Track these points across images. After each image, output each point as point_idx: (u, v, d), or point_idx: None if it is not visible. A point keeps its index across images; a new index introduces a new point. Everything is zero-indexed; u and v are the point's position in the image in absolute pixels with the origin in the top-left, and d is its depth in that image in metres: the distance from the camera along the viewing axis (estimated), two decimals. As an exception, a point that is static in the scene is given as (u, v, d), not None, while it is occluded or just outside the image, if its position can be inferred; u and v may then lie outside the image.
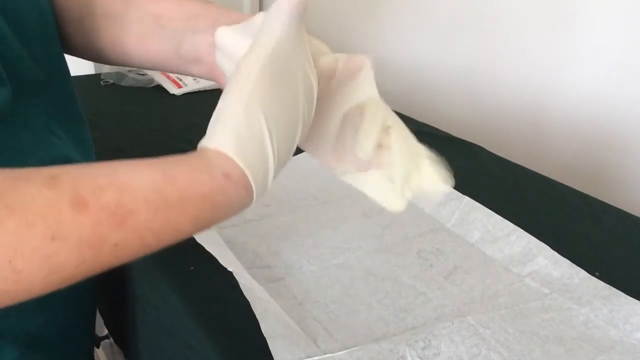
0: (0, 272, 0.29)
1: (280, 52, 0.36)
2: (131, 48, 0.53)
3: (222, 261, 0.54)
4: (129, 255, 0.33)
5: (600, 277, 0.55)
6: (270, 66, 0.36)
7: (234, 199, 0.35)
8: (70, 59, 0.56)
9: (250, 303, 0.49)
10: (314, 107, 0.39)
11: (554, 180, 0.76)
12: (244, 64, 0.36)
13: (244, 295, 0.50)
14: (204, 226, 0.36)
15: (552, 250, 0.58)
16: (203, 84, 1.06)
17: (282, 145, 0.37)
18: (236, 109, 0.35)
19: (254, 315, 0.47)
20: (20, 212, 0.29)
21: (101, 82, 1.08)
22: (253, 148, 0.35)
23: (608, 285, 0.54)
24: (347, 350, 0.45)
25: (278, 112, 0.36)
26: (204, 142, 0.35)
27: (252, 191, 0.36)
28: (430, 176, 0.44)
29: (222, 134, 0.35)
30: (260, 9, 1.70)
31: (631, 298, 0.52)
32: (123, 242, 0.32)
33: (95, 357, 0.87)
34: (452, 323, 0.49)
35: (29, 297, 0.31)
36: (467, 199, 0.66)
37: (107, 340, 0.83)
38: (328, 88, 0.43)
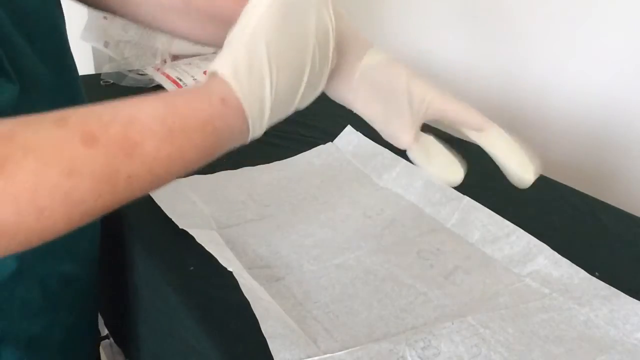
0: (25, 210, 0.30)
1: None
2: None
3: (222, 261, 0.54)
4: (142, 187, 0.35)
5: (600, 277, 0.55)
6: (281, 1, 0.37)
7: (233, 126, 0.37)
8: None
9: (251, 303, 0.49)
10: (331, 53, 0.40)
11: (554, 180, 0.76)
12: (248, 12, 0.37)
13: (244, 295, 0.50)
14: (208, 154, 0.37)
15: (552, 250, 0.58)
16: (203, 84, 1.06)
17: (283, 81, 0.37)
18: (240, 37, 0.36)
19: (254, 315, 0.47)
20: (36, 152, 0.31)
21: (101, 82, 1.08)
22: (250, 75, 0.36)
23: (608, 285, 0.54)
24: (347, 350, 0.45)
25: (283, 47, 0.37)
26: (213, 64, 0.37)
27: (248, 121, 0.37)
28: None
29: (222, 58, 0.36)
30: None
31: (631, 298, 0.52)
32: (135, 174, 0.33)
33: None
34: (452, 323, 0.48)
35: (54, 234, 0.33)
36: (467, 199, 0.66)
37: (107, 340, 0.83)
38: None
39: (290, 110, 0.41)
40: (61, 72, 0.52)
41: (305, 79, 0.39)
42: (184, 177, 0.39)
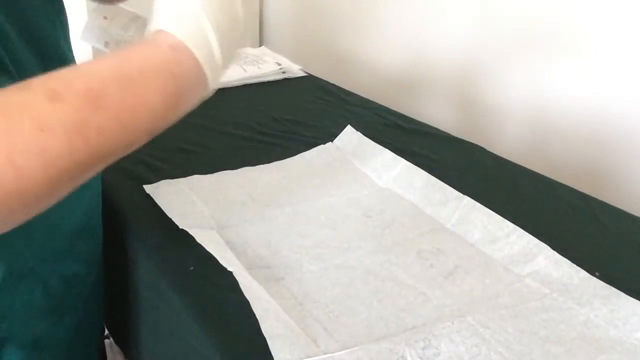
0: (3, 171, 0.31)
1: None
2: None
3: (222, 261, 0.54)
4: (114, 139, 0.36)
5: (600, 277, 0.55)
6: None
7: (188, 70, 0.39)
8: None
9: (250, 303, 0.49)
10: None
11: (554, 180, 0.76)
12: None
13: (244, 295, 0.50)
14: (173, 102, 0.39)
15: (552, 250, 0.58)
16: (203, 84, 1.06)
17: (222, 19, 0.40)
18: None
19: (254, 315, 0.47)
20: (5, 113, 0.32)
21: (101, 82, 1.08)
22: (189, 22, 0.38)
23: (608, 285, 0.54)
24: (347, 350, 0.45)
25: None
26: (149, 26, 0.39)
27: (201, 64, 0.39)
28: None
29: (160, 15, 0.39)
30: (260, 7, 1.70)
31: (631, 298, 0.52)
32: (104, 125, 0.35)
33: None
34: (452, 323, 0.48)
35: (35, 199, 0.33)
36: (467, 199, 0.66)
37: (107, 340, 0.83)
38: None
39: (240, 44, 0.43)
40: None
41: (240, 10, 0.41)
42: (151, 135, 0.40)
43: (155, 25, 0.39)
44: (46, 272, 0.54)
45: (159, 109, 0.38)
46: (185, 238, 0.57)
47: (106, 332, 0.81)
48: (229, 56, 0.41)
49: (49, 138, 0.32)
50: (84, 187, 0.55)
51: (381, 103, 1.01)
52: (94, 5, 1.13)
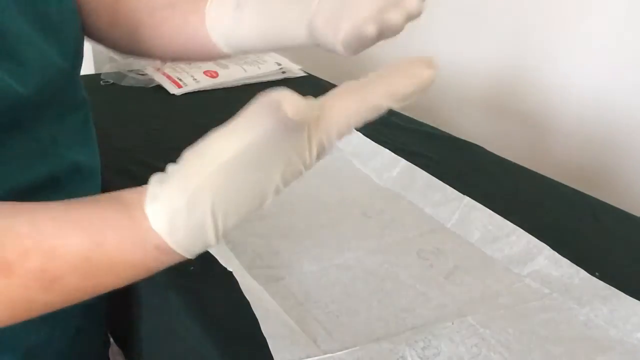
0: None
1: (248, 156, 0.31)
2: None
3: (222, 261, 0.54)
4: (61, 307, 0.33)
5: (600, 277, 0.55)
6: (231, 167, 0.31)
7: (169, 263, 0.33)
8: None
9: (251, 303, 0.49)
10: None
11: (554, 180, 0.76)
12: (206, 151, 0.33)
13: (244, 295, 0.50)
14: (137, 281, 0.34)
15: (552, 250, 0.58)
16: (203, 84, 1.06)
17: (232, 220, 0.32)
18: (180, 196, 0.31)
19: (254, 315, 0.47)
20: None
21: (101, 82, 1.08)
22: (190, 232, 0.31)
23: (608, 285, 0.53)
24: (347, 350, 0.45)
25: (235, 195, 0.32)
26: (146, 201, 0.31)
27: (189, 257, 0.33)
28: None
29: (159, 212, 0.31)
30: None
31: (631, 298, 0.52)
32: (52, 302, 0.32)
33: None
34: (452, 323, 0.49)
35: None
36: (467, 199, 0.66)
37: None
38: None
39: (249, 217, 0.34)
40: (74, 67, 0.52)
41: (266, 202, 0.33)
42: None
43: (150, 220, 0.31)
44: None
45: (119, 286, 0.33)
46: (185, 238, 0.57)
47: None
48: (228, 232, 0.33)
49: None
50: (83, 191, 0.55)
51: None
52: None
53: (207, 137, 0.33)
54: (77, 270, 0.31)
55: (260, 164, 0.31)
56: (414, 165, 0.74)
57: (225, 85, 1.08)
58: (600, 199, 0.71)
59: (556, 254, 0.57)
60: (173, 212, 0.31)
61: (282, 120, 0.30)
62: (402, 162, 0.74)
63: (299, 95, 0.30)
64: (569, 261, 0.56)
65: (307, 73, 1.16)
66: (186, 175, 0.31)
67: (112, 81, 1.08)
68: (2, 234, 0.30)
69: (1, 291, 0.30)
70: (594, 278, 0.55)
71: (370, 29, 0.38)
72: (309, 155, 0.35)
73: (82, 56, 0.54)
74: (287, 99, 0.29)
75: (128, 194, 0.32)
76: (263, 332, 0.45)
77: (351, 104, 0.35)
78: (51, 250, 0.30)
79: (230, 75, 1.10)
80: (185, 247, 0.32)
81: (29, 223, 0.31)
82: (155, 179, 0.32)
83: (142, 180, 0.63)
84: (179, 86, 1.05)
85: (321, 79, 1.13)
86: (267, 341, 0.45)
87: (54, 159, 0.50)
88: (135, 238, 0.31)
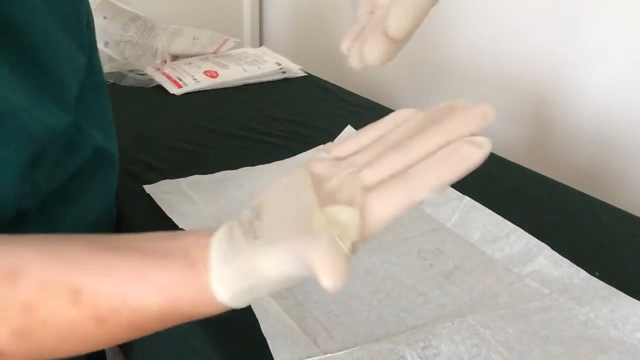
0: None
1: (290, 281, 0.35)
2: None
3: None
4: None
5: (600, 277, 0.55)
6: (279, 285, 0.35)
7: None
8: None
9: (251, 303, 0.49)
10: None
11: (554, 180, 0.76)
12: (261, 263, 0.35)
13: (244, 295, 0.50)
14: None
15: (552, 250, 0.58)
16: (203, 84, 1.06)
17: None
18: (243, 283, 0.35)
19: (254, 315, 0.47)
20: (54, 329, 0.35)
21: (101, 82, 1.08)
22: (247, 302, 0.36)
23: (608, 285, 0.54)
24: (347, 350, 0.45)
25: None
26: (212, 279, 0.35)
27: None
28: None
29: (225, 294, 0.35)
30: (260, 7, 1.70)
31: (631, 298, 0.52)
32: (128, 338, 0.37)
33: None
34: (452, 323, 0.48)
35: None
36: (467, 199, 0.66)
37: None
38: None
39: None
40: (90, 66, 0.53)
41: None
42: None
43: (217, 286, 0.35)
44: None
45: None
46: (185, 238, 0.57)
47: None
48: None
49: (81, 349, 0.37)
50: (96, 197, 0.55)
51: (381, 103, 1.01)
52: (94, 5, 1.13)
53: (262, 237, 0.35)
54: (155, 322, 0.36)
55: (300, 281, 0.35)
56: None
57: (225, 85, 1.08)
58: (600, 199, 0.71)
59: (556, 254, 0.57)
60: (237, 293, 0.35)
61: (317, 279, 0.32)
62: (402, 162, 0.74)
63: (338, 251, 0.32)
64: (569, 261, 0.56)
65: (307, 73, 1.16)
66: (244, 272, 0.34)
67: (112, 81, 1.08)
68: (95, 291, 0.35)
69: (95, 338, 0.36)
70: (594, 278, 0.55)
71: None
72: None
73: (96, 46, 0.54)
74: (329, 274, 0.31)
75: (194, 250, 0.36)
76: (263, 332, 0.45)
77: (394, 203, 0.33)
78: (135, 309, 0.35)
79: (230, 75, 1.10)
80: (241, 303, 0.36)
81: (114, 285, 0.36)
82: (215, 252, 0.35)
83: (142, 180, 0.63)
84: (179, 86, 1.05)
85: (321, 79, 1.13)
86: (267, 341, 0.45)
87: (78, 145, 0.51)
88: (205, 301, 0.36)
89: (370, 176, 0.33)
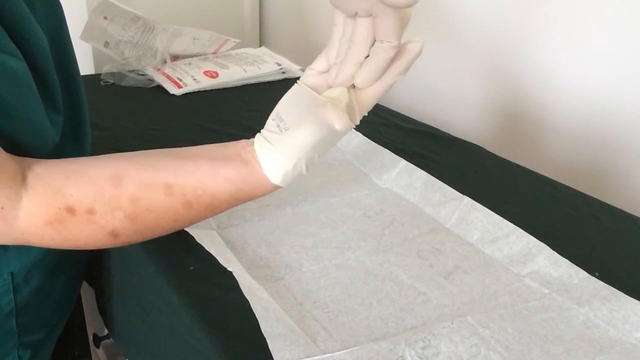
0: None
1: (321, 145, 0.52)
2: None
3: (222, 261, 0.54)
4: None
5: (600, 277, 0.55)
6: (312, 150, 0.51)
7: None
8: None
9: (250, 303, 0.49)
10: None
11: (554, 180, 0.76)
12: (298, 138, 0.51)
13: (244, 295, 0.50)
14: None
15: (552, 250, 0.58)
16: (203, 84, 1.06)
17: (311, 164, 0.53)
18: (288, 163, 0.51)
19: (254, 315, 0.47)
20: (154, 213, 0.50)
21: (101, 82, 1.08)
22: (294, 177, 0.52)
23: (608, 285, 0.54)
24: (347, 350, 0.46)
25: (311, 161, 0.52)
26: (263, 166, 0.51)
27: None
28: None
29: (276, 174, 0.51)
30: (260, 7, 1.70)
31: (631, 298, 0.52)
32: (207, 216, 0.55)
33: (94, 357, 0.87)
34: (452, 323, 0.49)
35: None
36: (467, 199, 0.66)
37: (107, 340, 0.83)
38: None
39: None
40: (66, 80, 0.57)
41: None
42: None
43: (272, 179, 0.51)
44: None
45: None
46: (185, 238, 0.57)
47: (106, 332, 0.81)
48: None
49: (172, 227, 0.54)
50: None
51: (381, 103, 1.01)
52: (94, 5, 1.14)
53: (292, 123, 0.51)
54: (226, 204, 0.53)
55: (327, 144, 0.52)
56: (414, 165, 0.74)
57: (225, 85, 1.08)
58: (600, 199, 0.71)
59: (556, 254, 0.57)
60: (286, 173, 0.51)
61: (335, 131, 0.50)
62: (402, 162, 0.75)
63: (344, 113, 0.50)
64: (568, 261, 0.56)
65: (307, 73, 1.15)
66: (286, 153, 0.50)
67: (112, 81, 1.08)
68: (185, 183, 0.50)
69: (186, 219, 0.53)
70: (594, 278, 0.55)
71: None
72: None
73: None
74: (337, 121, 0.49)
75: (245, 153, 0.52)
76: (263, 332, 0.46)
77: (377, 89, 0.51)
78: (214, 195, 0.51)
79: (230, 75, 1.10)
80: (289, 184, 0.53)
81: (196, 180, 0.50)
82: (259, 149, 0.51)
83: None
84: (179, 86, 1.05)
85: (321, 79, 1.13)
86: (267, 341, 0.45)
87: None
88: (262, 185, 0.52)
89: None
